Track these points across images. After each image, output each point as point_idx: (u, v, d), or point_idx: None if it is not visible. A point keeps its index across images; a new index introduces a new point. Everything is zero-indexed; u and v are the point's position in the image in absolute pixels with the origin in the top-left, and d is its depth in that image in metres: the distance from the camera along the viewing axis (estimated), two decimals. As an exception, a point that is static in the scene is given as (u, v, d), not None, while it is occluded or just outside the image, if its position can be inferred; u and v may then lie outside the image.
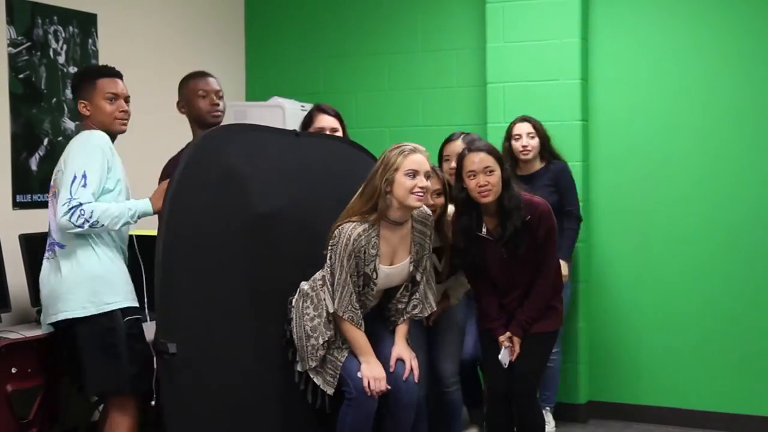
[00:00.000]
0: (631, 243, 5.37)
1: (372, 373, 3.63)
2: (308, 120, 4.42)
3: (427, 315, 3.87)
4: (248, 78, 6.33)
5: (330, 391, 3.67)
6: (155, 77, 5.45)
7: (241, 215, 3.70)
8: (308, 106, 5.80)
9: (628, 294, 5.39)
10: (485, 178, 3.75)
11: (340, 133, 4.34)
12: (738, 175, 5.15)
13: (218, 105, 4.25)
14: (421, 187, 3.58)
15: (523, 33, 5.43)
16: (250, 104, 5.86)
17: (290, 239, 3.84)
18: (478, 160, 3.77)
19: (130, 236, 3.93)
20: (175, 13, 5.68)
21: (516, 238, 3.80)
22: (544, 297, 3.90)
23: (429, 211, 3.82)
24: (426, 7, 5.88)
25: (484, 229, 3.85)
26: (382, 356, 3.72)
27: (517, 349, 3.88)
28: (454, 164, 4.14)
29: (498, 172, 3.78)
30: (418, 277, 3.80)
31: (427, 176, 3.62)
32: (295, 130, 4.12)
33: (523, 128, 4.98)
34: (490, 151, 3.82)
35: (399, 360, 3.74)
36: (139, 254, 3.90)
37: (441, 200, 4.02)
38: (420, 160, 3.62)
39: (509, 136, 5.00)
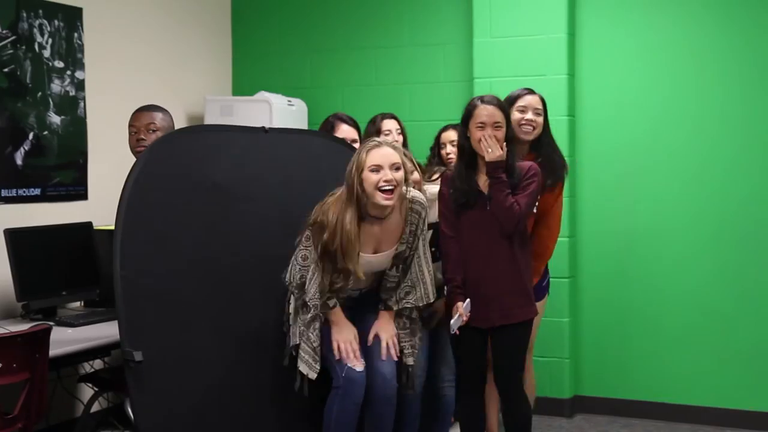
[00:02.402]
0: (617, 238, 5.39)
1: (340, 336, 3.63)
2: (329, 129, 4.43)
3: (422, 305, 3.78)
4: (235, 72, 6.32)
5: (313, 375, 3.62)
6: (141, 71, 5.43)
7: (200, 215, 3.65)
8: (295, 101, 5.84)
9: (614, 289, 5.40)
10: (492, 132, 3.78)
11: (357, 144, 4.32)
12: (725, 171, 5.17)
13: (144, 140, 4.21)
14: (386, 181, 3.55)
15: (510, 28, 5.43)
16: (237, 99, 5.85)
17: (257, 236, 3.80)
18: (487, 113, 3.80)
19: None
20: (162, 6, 5.66)
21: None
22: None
23: (423, 197, 3.78)
24: (413, 2, 5.87)
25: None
26: (364, 330, 3.72)
27: (465, 318, 3.76)
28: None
29: (504, 129, 3.82)
30: (407, 258, 3.73)
31: (396, 168, 3.58)
32: (263, 127, 4.05)
33: (392, 125, 4.95)
34: (501, 107, 3.86)
35: (377, 340, 3.70)
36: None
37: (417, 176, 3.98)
38: (383, 153, 3.59)
39: (378, 131, 4.96)
